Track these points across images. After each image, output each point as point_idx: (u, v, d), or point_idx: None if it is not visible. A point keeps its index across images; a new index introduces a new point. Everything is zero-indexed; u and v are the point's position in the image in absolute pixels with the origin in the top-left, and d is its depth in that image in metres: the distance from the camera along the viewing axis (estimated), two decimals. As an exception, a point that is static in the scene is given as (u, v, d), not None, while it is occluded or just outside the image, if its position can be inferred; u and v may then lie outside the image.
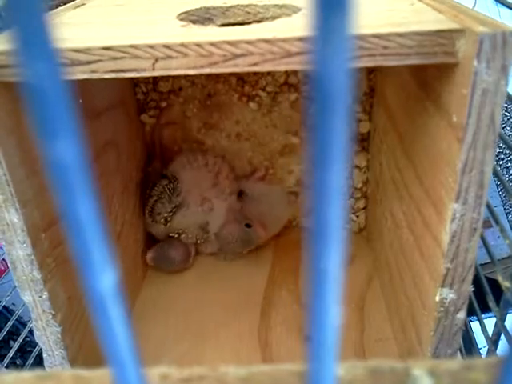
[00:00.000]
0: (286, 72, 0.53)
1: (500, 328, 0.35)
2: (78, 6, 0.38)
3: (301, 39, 0.25)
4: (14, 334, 0.87)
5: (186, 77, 0.54)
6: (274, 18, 0.30)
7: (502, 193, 1.21)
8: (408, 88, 0.36)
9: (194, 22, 0.30)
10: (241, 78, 0.54)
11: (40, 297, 0.32)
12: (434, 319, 0.31)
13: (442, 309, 0.31)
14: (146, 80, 0.54)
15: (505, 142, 0.38)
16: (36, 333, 0.34)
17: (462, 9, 0.27)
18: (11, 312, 0.92)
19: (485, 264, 0.44)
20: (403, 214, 0.39)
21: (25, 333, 0.49)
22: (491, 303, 0.36)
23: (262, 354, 0.44)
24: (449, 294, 0.30)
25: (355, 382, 0.14)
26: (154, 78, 0.54)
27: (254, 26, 0.29)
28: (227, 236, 0.53)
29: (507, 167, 1.25)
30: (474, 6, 0.96)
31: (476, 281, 0.32)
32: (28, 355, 0.49)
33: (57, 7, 0.37)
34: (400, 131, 0.40)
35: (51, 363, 0.35)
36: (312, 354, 0.11)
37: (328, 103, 0.08)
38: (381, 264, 0.50)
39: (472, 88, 0.24)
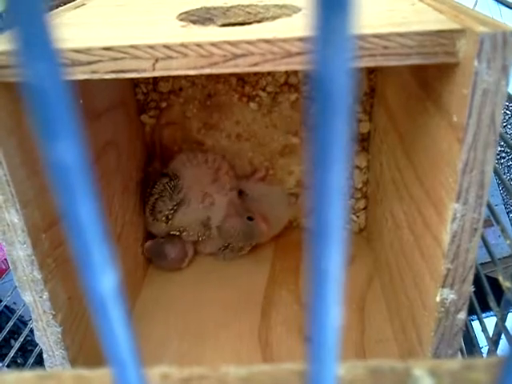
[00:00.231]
0: (287, 72, 0.53)
1: (501, 328, 0.35)
2: (79, 7, 0.38)
3: (301, 39, 0.25)
4: (15, 333, 0.87)
5: (186, 77, 0.54)
6: (274, 18, 0.30)
7: (503, 191, 1.21)
8: (408, 88, 0.36)
9: (194, 22, 0.30)
10: (241, 78, 0.54)
11: (40, 297, 0.32)
12: (435, 320, 0.31)
13: (442, 309, 0.31)
14: (146, 80, 0.54)
15: (505, 142, 0.38)
16: (36, 333, 0.34)
17: (462, 9, 0.27)
18: (12, 311, 0.92)
19: (485, 263, 0.44)
20: (403, 214, 0.39)
21: (26, 332, 0.49)
22: (492, 303, 0.36)
23: (263, 353, 0.44)
24: (449, 295, 0.30)
25: (356, 381, 0.14)
26: (154, 78, 0.54)
27: (254, 26, 0.29)
28: (229, 229, 0.53)
29: (508, 166, 1.25)
30: (475, 5, 0.96)
31: (476, 280, 0.32)
32: (29, 354, 0.49)
33: (57, 7, 0.37)
34: (400, 131, 0.40)
35: (52, 363, 0.35)
36: (312, 354, 0.11)
37: (329, 103, 0.08)
38: (381, 264, 0.50)
39: (472, 88, 0.24)
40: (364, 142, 0.55)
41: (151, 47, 0.25)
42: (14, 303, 0.92)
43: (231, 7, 0.34)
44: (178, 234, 0.53)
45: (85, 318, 0.37)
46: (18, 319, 0.53)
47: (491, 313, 0.36)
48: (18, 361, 0.88)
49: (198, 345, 0.46)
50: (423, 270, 0.33)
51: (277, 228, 0.57)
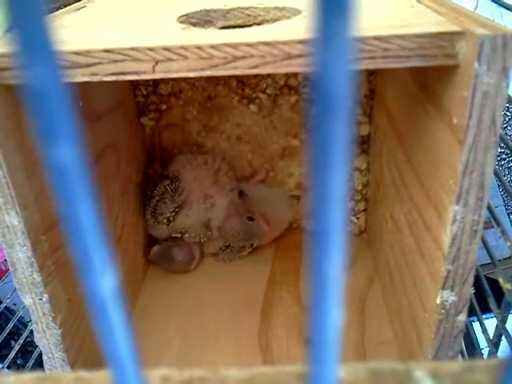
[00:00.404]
0: (286, 74, 0.53)
1: (501, 330, 0.35)
2: (79, 9, 0.38)
3: (301, 42, 0.25)
4: (15, 334, 0.87)
5: (186, 79, 0.54)
6: (274, 20, 0.30)
7: (504, 193, 1.21)
8: (408, 90, 0.36)
9: (194, 24, 0.30)
10: (241, 80, 0.54)
11: (40, 299, 0.32)
12: (435, 321, 0.31)
13: (442, 311, 0.31)
14: (146, 82, 0.54)
15: (505, 143, 0.38)
16: (36, 335, 0.34)
17: (462, 11, 0.27)
18: (12, 312, 0.92)
19: (485, 264, 0.44)
20: (404, 216, 0.39)
21: (26, 333, 0.49)
22: (492, 305, 0.36)
23: (263, 355, 0.44)
24: (450, 296, 0.30)
25: (356, 383, 0.14)
26: (154, 80, 0.54)
27: (254, 28, 0.29)
28: (230, 229, 0.53)
29: (509, 167, 1.25)
30: (476, 7, 0.96)
31: (477, 282, 0.32)
32: (29, 355, 0.49)
33: (57, 10, 0.37)
34: (400, 133, 0.40)
35: (51, 365, 0.35)
36: (313, 355, 0.11)
37: (329, 105, 0.08)
38: (381, 266, 0.50)
39: (473, 90, 0.24)
40: (364, 144, 0.55)
41: (151, 49, 0.25)
42: (14, 304, 0.92)
43: (231, 10, 0.35)
44: (179, 236, 0.53)
45: (84, 320, 0.37)
46: (18, 320, 0.53)
47: (491, 314, 0.36)
48: (18, 362, 0.88)
49: (198, 347, 0.45)
50: (423, 272, 0.33)
51: (278, 229, 0.57)
